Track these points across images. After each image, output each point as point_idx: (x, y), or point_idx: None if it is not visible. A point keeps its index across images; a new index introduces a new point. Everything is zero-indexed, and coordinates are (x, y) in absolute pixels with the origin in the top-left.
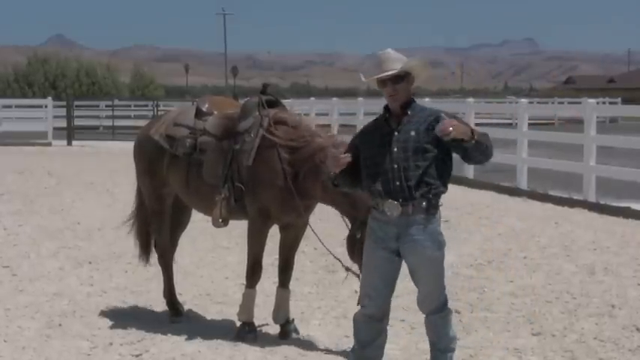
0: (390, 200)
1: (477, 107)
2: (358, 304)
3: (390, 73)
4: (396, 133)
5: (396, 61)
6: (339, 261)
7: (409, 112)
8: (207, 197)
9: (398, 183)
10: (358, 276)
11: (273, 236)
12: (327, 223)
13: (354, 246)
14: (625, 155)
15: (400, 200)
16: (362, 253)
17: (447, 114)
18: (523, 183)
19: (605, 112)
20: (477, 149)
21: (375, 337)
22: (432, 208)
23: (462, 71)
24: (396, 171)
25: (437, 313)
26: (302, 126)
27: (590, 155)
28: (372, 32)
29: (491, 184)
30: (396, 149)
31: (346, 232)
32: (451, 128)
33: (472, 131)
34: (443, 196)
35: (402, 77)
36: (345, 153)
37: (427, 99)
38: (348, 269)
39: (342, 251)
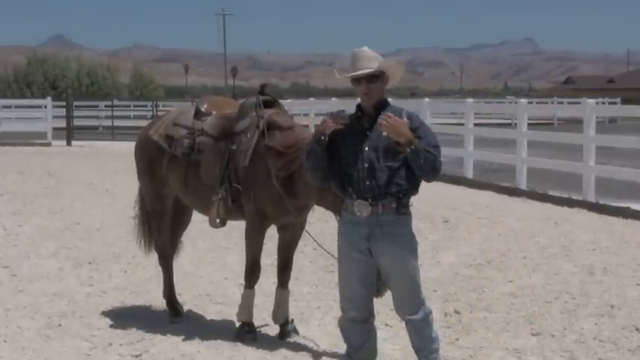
0: (359, 200)
1: (477, 107)
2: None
3: (365, 71)
4: (368, 133)
5: (371, 60)
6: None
7: (382, 112)
8: (206, 197)
9: (367, 182)
10: None
11: (273, 236)
12: (325, 224)
13: None
14: (624, 155)
15: (370, 200)
16: None
17: (415, 118)
18: (523, 183)
19: (605, 112)
20: (412, 160)
21: (365, 338)
22: (402, 207)
23: (462, 71)
24: (367, 170)
25: (415, 315)
26: (294, 131)
27: (590, 155)
28: (372, 32)
29: (491, 184)
30: (367, 148)
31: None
32: (385, 123)
33: (411, 141)
34: (442, 196)
35: (377, 76)
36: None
37: (427, 99)
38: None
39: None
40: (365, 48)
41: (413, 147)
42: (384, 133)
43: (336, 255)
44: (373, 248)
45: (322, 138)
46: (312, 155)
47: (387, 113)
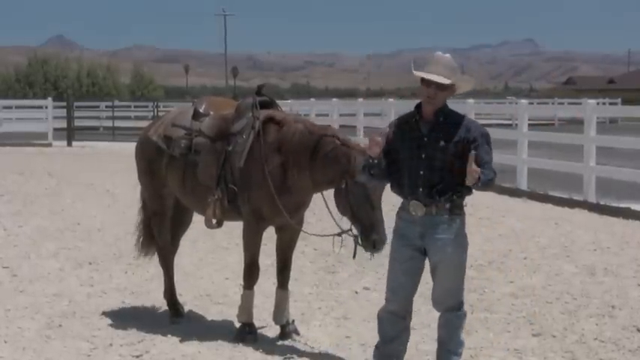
0: (414, 201)
1: (477, 108)
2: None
3: (443, 80)
4: (425, 139)
5: (447, 68)
6: (338, 225)
7: (441, 119)
8: (203, 198)
9: (421, 189)
10: (356, 237)
11: (273, 236)
12: (325, 223)
13: (340, 196)
14: (625, 156)
15: (424, 201)
16: (348, 203)
17: (475, 128)
18: (523, 184)
19: (605, 112)
20: (475, 188)
21: (398, 333)
22: (456, 208)
23: (462, 72)
24: (422, 177)
25: (452, 311)
26: (287, 123)
27: (590, 156)
28: (372, 33)
29: None
30: (424, 156)
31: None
32: (472, 177)
33: (478, 180)
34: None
35: (448, 86)
36: (380, 140)
37: None
38: (344, 232)
39: (341, 252)
40: (448, 55)
41: (479, 185)
42: (442, 143)
43: (343, 227)
44: (427, 247)
45: (371, 160)
46: (372, 170)
47: (476, 170)
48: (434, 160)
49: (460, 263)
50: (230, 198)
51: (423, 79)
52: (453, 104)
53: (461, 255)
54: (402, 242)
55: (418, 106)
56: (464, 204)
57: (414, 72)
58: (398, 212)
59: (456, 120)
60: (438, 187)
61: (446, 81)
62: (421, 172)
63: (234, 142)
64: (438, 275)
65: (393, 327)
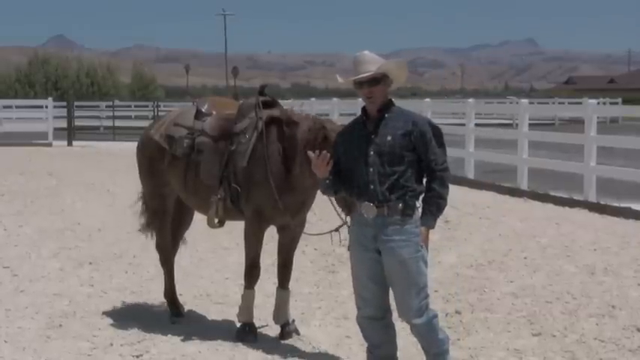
0: (366, 202)
1: (478, 108)
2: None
3: (365, 75)
4: (372, 137)
5: (371, 63)
6: (339, 216)
7: (386, 115)
8: (205, 198)
9: (372, 187)
10: None
11: (275, 236)
12: (326, 224)
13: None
14: (626, 156)
15: (376, 202)
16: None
17: (420, 119)
18: (524, 183)
19: (606, 112)
20: None
21: (384, 334)
22: (409, 209)
23: (463, 72)
24: (372, 174)
25: (418, 318)
26: (291, 120)
27: (591, 156)
28: (373, 33)
29: (492, 185)
30: (372, 153)
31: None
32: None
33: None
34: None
35: (379, 79)
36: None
37: (428, 99)
38: (346, 223)
39: (341, 252)
40: (365, 52)
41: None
42: (389, 137)
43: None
44: (380, 248)
45: (327, 182)
46: (327, 180)
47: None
48: (382, 155)
49: (415, 267)
50: (233, 198)
51: (355, 84)
52: (453, 104)
53: (414, 257)
54: (359, 247)
55: (364, 109)
56: (417, 205)
57: (341, 81)
58: (352, 216)
59: (401, 114)
60: (389, 182)
61: (369, 73)
62: (371, 169)
63: (237, 141)
64: (394, 282)
65: (375, 330)
